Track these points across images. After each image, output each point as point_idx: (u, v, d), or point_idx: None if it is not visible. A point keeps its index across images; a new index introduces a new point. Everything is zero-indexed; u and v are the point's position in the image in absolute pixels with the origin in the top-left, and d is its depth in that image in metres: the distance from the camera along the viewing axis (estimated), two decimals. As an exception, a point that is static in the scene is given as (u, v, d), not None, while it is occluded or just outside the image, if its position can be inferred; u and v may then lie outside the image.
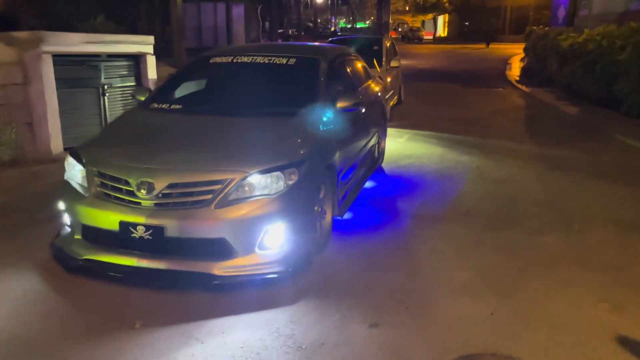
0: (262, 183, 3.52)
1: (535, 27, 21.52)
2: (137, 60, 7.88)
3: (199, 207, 3.41)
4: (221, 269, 3.45)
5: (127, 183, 3.50)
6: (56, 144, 6.60)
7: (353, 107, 4.60)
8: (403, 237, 4.62)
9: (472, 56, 30.17)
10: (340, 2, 75.33)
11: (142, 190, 3.45)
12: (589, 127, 9.86)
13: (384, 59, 10.24)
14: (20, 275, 3.77)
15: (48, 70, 6.42)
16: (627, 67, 9.69)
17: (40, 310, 3.35)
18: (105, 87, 7.29)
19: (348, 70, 5.69)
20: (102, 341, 3.02)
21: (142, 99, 4.84)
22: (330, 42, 11.31)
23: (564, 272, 3.92)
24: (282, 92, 4.76)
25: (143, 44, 7.81)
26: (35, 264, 3.92)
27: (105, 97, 7.30)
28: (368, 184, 6.00)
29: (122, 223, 3.46)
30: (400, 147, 7.95)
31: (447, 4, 55.97)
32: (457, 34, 58.62)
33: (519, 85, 15.91)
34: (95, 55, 7.17)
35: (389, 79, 10.00)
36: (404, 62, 24.53)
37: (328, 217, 4.34)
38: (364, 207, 5.30)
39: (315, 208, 4.01)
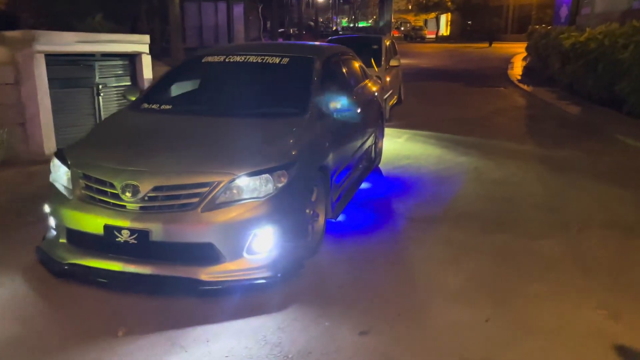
0: (250, 186, 3.43)
1: (537, 26, 21.40)
2: (132, 59, 7.80)
3: (185, 211, 3.33)
4: (208, 274, 3.36)
5: (112, 186, 3.42)
6: (49, 145, 6.52)
7: (347, 107, 4.50)
8: (398, 240, 4.52)
9: (474, 55, 30.02)
10: (341, 1, 75.22)
11: (127, 193, 3.36)
12: (591, 127, 9.74)
13: (383, 58, 10.12)
14: (5, 278, 3.69)
15: (41, 70, 6.34)
16: (629, 67, 9.57)
17: (21, 316, 3.26)
18: (100, 86, 7.21)
19: (343, 70, 5.60)
20: (80, 350, 2.93)
21: (133, 99, 4.76)
22: (329, 41, 11.19)
23: (561, 277, 3.82)
24: (274, 92, 4.68)
25: (139, 43, 7.72)
26: (21, 267, 3.83)
27: (100, 97, 7.22)
28: (364, 185, 5.91)
29: (106, 227, 3.37)
30: (398, 147, 7.85)
31: (449, 3, 55.73)
32: (459, 33, 58.42)
33: (521, 85, 15.79)
34: (90, 55, 7.09)
35: (388, 79, 9.89)
36: (405, 61, 24.46)
37: (321, 219, 4.25)
38: (359, 208, 5.21)
39: (307, 211, 3.92)
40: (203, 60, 5.02)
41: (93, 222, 3.43)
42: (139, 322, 3.20)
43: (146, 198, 3.36)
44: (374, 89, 6.70)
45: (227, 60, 4.88)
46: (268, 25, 38.06)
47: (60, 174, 3.72)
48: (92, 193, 3.50)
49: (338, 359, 2.86)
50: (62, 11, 17.81)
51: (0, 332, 3.09)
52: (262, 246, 3.46)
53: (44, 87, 6.40)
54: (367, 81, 6.46)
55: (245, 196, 3.41)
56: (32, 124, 6.39)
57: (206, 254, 3.36)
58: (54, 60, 6.57)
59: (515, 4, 48.33)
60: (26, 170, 6.12)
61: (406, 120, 9.98)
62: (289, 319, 3.21)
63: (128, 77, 7.74)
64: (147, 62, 7.84)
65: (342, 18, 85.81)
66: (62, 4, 18.22)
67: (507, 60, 24.01)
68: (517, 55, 25.55)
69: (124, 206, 3.38)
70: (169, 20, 14.69)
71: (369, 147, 6.12)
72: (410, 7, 63.91)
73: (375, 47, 10.53)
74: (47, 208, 3.76)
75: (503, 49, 32.88)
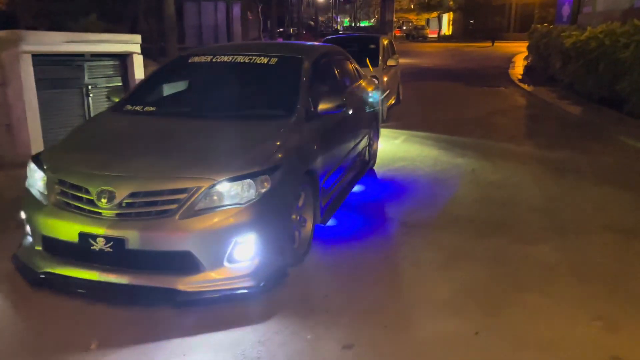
0: (231, 192, 3.29)
1: (539, 25, 21.20)
2: (124, 60, 7.66)
3: (162, 218, 3.19)
4: (187, 284, 3.22)
5: (87, 192, 3.28)
6: (37, 147, 6.37)
7: (336, 109, 4.36)
8: (389, 246, 4.38)
9: (476, 55, 29.84)
10: (342, 1, 75.04)
11: (103, 200, 3.22)
12: (591, 127, 9.58)
13: (380, 58, 9.97)
14: (-21, 288, 3.56)
15: (27, 71, 6.20)
16: (630, 66, 9.40)
17: (-9, 328, 3.14)
18: (90, 87, 7.07)
19: (335, 70, 5.45)
20: (50, 365, 2.80)
21: (117, 100, 4.63)
22: (325, 41, 11.05)
23: (556, 285, 3.68)
24: (261, 93, 4.54)
25: (129, 43, 7.58)
26: (-3, 275, 3.71)
27: (90, 98, 7.09)
28: (357, 188, 5.77)
29: (81, 234, 3.24)
30: (394, 148, 7.70)
31: (451, 2, 55.56)
32: (461, 32, 58.22)
33: (521, 84, 15.62)
34: (79, 55, 6.95)
35: (385, 79, 9.74)
36: (406, 60, 24.34)
37: (309, 225, 4.11)
38: (351, 212, 5.06)
39: (293, 217, 3.78)
40: (190, 61, 4.88)
41: (68, 230, 3.29)
42: (114, 334, 3.07)
43: (123, 204, 3.22)
44: (369, 89, 6.55)
45: (214, 60, 4.74)
46: (269, 24, 37.92)
47: (36, 179, 3.58)
48: (67, 199, 3.36)
49: (318, 375, 2.72)
50: (58, 11, 17.72)
51: (-32, 345, 2.96)
52: (244, 254, 3.32)
53: (31, 88, 6.27)
54: (361, 81, 6.32)
55: (226, 202, 3.27)
56: (19, 125, 6.25)
57: (184, 263, 3.22)
58: (41, 60, 6.43)
59: (518, 3, 48.07)
60: (12, 173, 5.97)
61: (404, 121, 9.84)
62: (270, 332, 3.07)
63: (119, 78, 7.60)
64: (138, 62, 7.71)
65: (345, 17, 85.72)
66: (62, 3, 18.13)
67: (509, 60, 23.84)
68: (518, 54, 25.35)
69: (99, 213, 3.24)
70: (165, 20, 14.57)
71: (362, 149, 5.98)
72: (412, 6, 63.66)
73: (372, 46, 10.38)
74: (23, 214, 3.63)
75: (505, 48, 32.71)
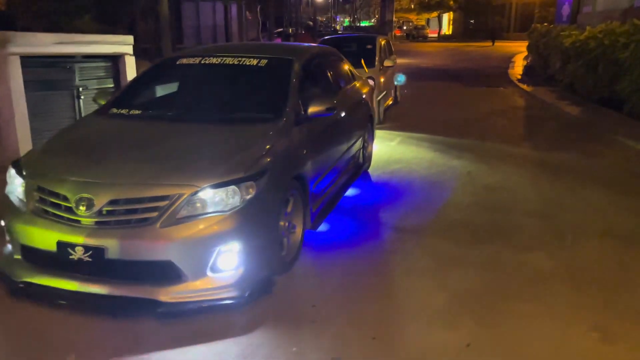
0: (214, 199, 3.18)
1: (538, 25, 21.08)
2: (115, 61, 7.56)
3: (142, 226, 3.08)
4: (168, 294, 3.11)
5: (65, 199, 3.18)
6: (26, 150, 6.26)
7: (327, 112, 4.25)
8: (381, 252, 4.27)
9: (476, 54, 29.72)
10: (341, 0, 74.93)
11: (82, 207, 3.12)
12: (590, 128, 9.46)
13: (377, 59, 9.85)
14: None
15: (16, 73, 6.10)
16: (630, 66, 9.28)
17: (-34, 341, 3.03)
18: (81, 89, 6.96)
19: (327, 71, 5.34)
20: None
21: (103, 102, 4.52)
22: (322, 41, 10.94)
23: (552, 294, 3.57)
24: (249, 96, 4.42)
25: (121, 44, 7.47)
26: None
27: (81, 100, 6.98)
28: (351, 191, 5.66)
29: (59, 243, 3.13)
30: (390, 150, 7.59)
31: (452, 2, 55.41)
32: (462, 32, 58.12)
33: (521, 84, 15.50)
34: (70, 57, 6.85)
35: (382, 79, 9.63)
36: (406, 60, 24.23)
37: (298, 231, 4.01)
38: (343, 217, 4.95)
39: (282, 223, 3.68)
40: (177, 62, 4.77)
41: (46, 238, 3.19)
42: (93, 347, 2.97)
43: (102, 212, 3.12)
44: (364, 90, 6.45)
45: (202, 62, 4.63)
46: (268, 25, 37.78)
47: (15, 186, 3.48)
48: (46, 206, 3.26)
49: (301, 392, 2.62)
50: (57, 11, 17.62)
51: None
52: (228, 263, 3.21)
53: (20, 90, 6.16)
54: (355, 83, 6.21)
55: (209, 210, 3.17)
56: (7, 128, 6.15)
57: (166, 273, 3.11)
58: (31, 62, 6.32)
59: (518, 3, 47.93)
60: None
61: (400, 122, 9.72)
62: (254, 345, 2.97)
63: (111, 79, 7.50)
64: (130, 63, 7.60)
65: (345, 17, 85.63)
66: (58, 4, 18.03)
67: (509, 60, 23.73)
68: (518, 54, 25.26)
69: (78, 221, 3.14)
70: (160, 20, 14.46)
71: (356, 151, 5.87)
72: (412, 6, 63.49)
73: (369, 47, 10.27)
74: (2, 222, 3.53)
75: (505, 48, 32.60)
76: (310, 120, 4.23)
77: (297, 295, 3.54)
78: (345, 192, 5.42)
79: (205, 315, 3.21)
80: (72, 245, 3.10)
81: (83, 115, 6.95)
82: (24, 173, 3.44)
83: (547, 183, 6.11)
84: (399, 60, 11.93)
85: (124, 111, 4.23)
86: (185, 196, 3.12)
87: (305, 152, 4.06)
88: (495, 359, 2.88)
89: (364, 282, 3.73)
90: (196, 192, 3.14)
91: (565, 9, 21.01)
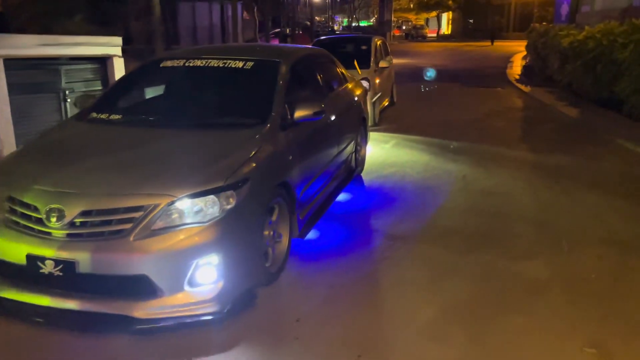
0: (192, 209, 3.03)
1: (537, 24, 20.96)
2: (104, 63, 7.40)
3: (115, 239, 2.92)
4: (143, 310, 2.95)
5: (36, 209, 3.02)
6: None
7: (314, 116, 4.09)
8: (370, 262, 4.12)
9: (474, 54, 29.57)
10: (338, 0, 74.79)
11: (52, 219, 2.96)
12: (589, 130, 9.31)
13: (372, 59, 9.69)
14: None
15: (-1, 75, 5.95)
16: (629, 66, 9.13)
17: None
18: (67, 92, 6.80)
19: (317, 74, 5.19)
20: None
21: (84, 107, 4.36)
22: (317, 42, 10.80)
23: (547, 306, 3.42)
24: (234, 100, 4.27)
25: (109, 46, 7.30)
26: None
27: (67, 103, 6.82)
28: (343, 196, 5.51)
29: (29, 256, 2.98)
30: (384, 153, 7.43)
31: (450, 2, 55.30)
32: (461, 32, 58.03)
33: (519, 85, 15.35)
34: (55, 59, 6.69)
35: (377, 81, 9.47)
36: (404, 60, 24.09)
37: (284, 241, 3.86)
38: (333, 224, 4.80)
39: (266, 233, 3.53)
40: (161, 65, 4.61)
41: (15, 251, 3.03)
42: (63, 366, 2.81)
43: (74, 224, 2.96)
44: (357, 92, 6.30)
45: (186, 65, 4.47)
46: (265, 25, 37.61)
47: (-15, 195, 3.32)
48: (16, 217, 3.11)
49: (279, 417, 2.46)
50: (54, 12, 17.46)
51: None
52: (207, 277, 3.05)
53: (3, 94, 5.99)
54: (347, 85, 6.06)
55: (186, 221, 3.01)
56: (-10, 132, 5.99)
57: (140, 288, 2.96)
58: (14, 64, 6.15)
59: (517, 2, 47.78)
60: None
61: (396, 124, 9.57)
62: (232, 363, 2.82)
63: (99, 82, 7.33)
64: (119, 65, 7.43)
65: (344, 17, 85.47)
66: (53, 5, 17.87)
67: (507, 59, 23.57)
68: (517, 54, 25.11)
69: (49, 233, 2.98)
70: (152, 20, 14.32)
71: (348, 155, 5.72)
72: (411, 5, 63.40)
73: (364, 47, 10.11)
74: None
75: (505, 48, 32.42)
76: (297, 125, 4.08)
77: (281, 309, 3.38)
78: (336, 197, 5.27)
79: (184, 331, 3.06)
80: (42, 259, 2.95)
81: (69, 118, 6.82)
82: (-5, 182, 3.28)
83: (545, 187, 5.96)
84: (398, 61, 11.80)
85: (103, 116, 4.08)
86: (161, 206, 2.97)
87: (291, 158, 3.91)
88: (487, 379, 2.73)
89: (351, 293, 3.58)
90: (173, 202, 2.99)
91: (564, 9, 20.90)
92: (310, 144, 4.38)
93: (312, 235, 4.46)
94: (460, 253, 4.21)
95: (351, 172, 5.95)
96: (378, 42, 10.68)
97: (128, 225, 2.94)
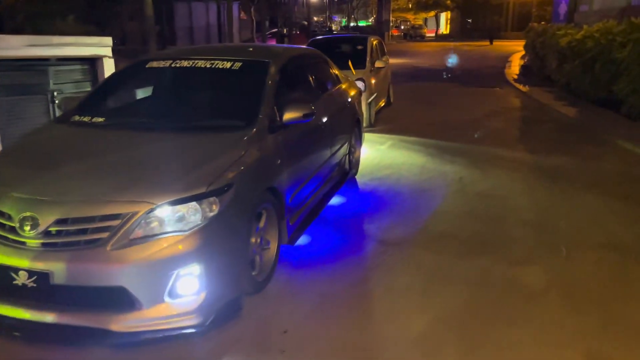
0: (173, 217, 2.89)
1: (535, 24, 20.83)
2: (94, 64, 7.26)
3: (91, 248, 2.78)
4: (121, 323, 2.82)
5: (9, 217, 2.89)
6: (-4, 158, 5.98)
7: (304, 118, 3.95)
8: (362, 268, 3.98)
9: (473, 54, 29.43)
10: (335, 0, 74.68)
11: (26, 227, 2.83)
12: (587, 130, 9.18)
13: (367, 59, 9.55)
14: None
15: (-16, 77, 5.82)
16: (627, 66, 9.00)
17: None
18: (55, 93, 6.66)
19: (308, 74, 5.06)
20: None
21: (68, 109, 4.22)
22: (312, 42, 10.66)
23: (544, 314, 3.29)
24: (221, 102, 4.13)
25: (98, 46, 7.16)
26: None
27: (56, 105, 6.68)
28: (336, 200, 5.38)
29: (1, 267, 2.84)
30: (380, 155, 7.30)
31: (449, 1, 55.18)
32: (459, 31, 57.89)
33: (517, 85, 15.23)
34: (44, 60, 6.55)
35: (373, 81, 9.34)
36: (402, 60, 23.95)
37: (272, 248, 3.72)
38: (326, 228, 4.67)
39: (253, 240, 3.40)
40: (147, 66, 4.46)
41: (-12, 261, 2.90)
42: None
43: (48, 233, 2.82)
44: (351, 93, 6.17)
45: (172, 65, 4.33)
46: (265, 24, 37.48)
47: (-41, 202, 3.18)
48: (-11, 226, 2.97)
49: None
50: (52, 13, 17.34)
51: None
52: (189, 288, 2.91)
53: (-12, 95, 5.87)
54: (340, 85, 5.93)
55: (167, 229, 2.87)
56: (-25, 136, 5.86)
57: (118, 300, 2.82)
58: (1, 65, 6.02)
59: (516, 1, 47.63)
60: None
61: (393, 125, 9.44)
62: (214, 379, 2.69)
63: (89, 83, 7.18)
64: (109, 66, 7.28)
65: (343, 17, 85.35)
66: (49, 5, 17.74)
67: (505, 59, 23.45)
68: (515, 53, 24.98)
69: (23, 242, 2.84)
70: (145, 21, 14.20)
71: (341, 158, 5.59)
72: (409, 5, 63.25)
73: (359, 47, 9.98)
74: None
75: (503, 47, 32.30)
76: (286, 127, 3.95)
77: (267, 320, 3.25)
78: (328, 201, 5.14)
79: (167, 343, 2.93)
80: (15, 270, 2.81)
81: (58, 120, 6.68)
82: (-31, 189, 3.14)
83: (543, 189, 5.83)
84: (396, 61, 11.68)
85: (86, 119, 3.93)
86: (139, 214, 2.83)
87: (279, 162, 3.77)
88: (481, 394, 2.59)
89: (341, 303, 3.44)
90: (152, 210, 2.85)
91: (562, 8, 20.78)
92: (300, 147, 4.25)
93: (303, 240, 4.33)
94: (455, 258, 4.08)
95: (345, 174, 5.82)
96: (374, 42, 10.55)
97: (105, 234, 2.80)
